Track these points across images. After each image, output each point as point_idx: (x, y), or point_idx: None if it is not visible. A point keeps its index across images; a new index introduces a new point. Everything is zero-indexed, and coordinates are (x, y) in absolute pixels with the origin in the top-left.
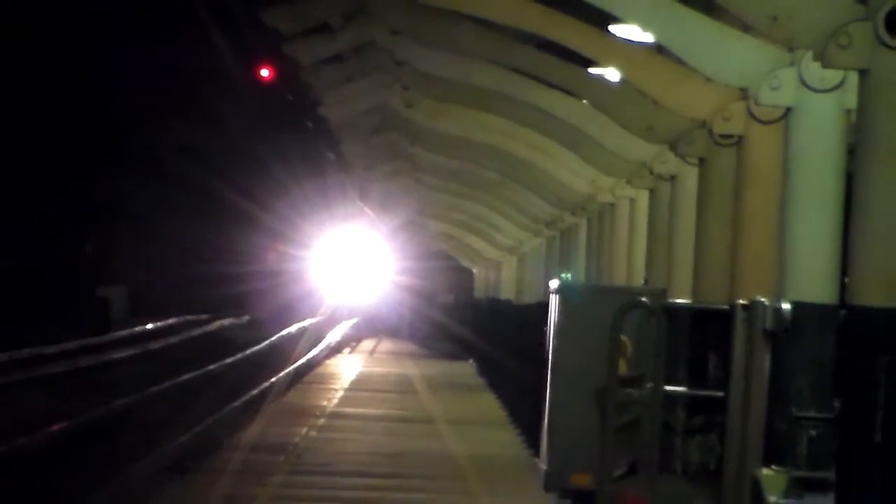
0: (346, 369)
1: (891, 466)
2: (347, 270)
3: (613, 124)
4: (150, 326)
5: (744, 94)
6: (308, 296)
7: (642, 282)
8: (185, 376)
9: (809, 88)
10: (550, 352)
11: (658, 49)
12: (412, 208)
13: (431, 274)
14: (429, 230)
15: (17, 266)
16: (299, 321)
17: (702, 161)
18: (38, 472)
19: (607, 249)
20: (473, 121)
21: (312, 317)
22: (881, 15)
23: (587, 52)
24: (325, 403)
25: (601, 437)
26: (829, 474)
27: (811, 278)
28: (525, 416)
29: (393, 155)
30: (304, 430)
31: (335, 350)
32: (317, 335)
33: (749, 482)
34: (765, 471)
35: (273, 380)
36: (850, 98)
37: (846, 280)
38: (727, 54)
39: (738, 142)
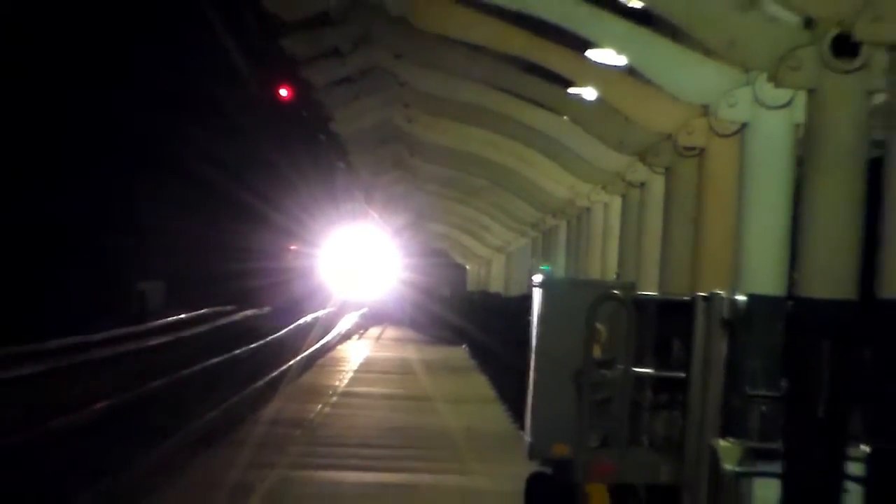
0: (355, 353)
1: (831, 438)
2: (355, 267)
3: (590, 137)
4: (182, 316)
5: (705, 110)
6: (320, 289)
7: (615, 276)
8: (213, 360)
9: (763, 106)
10: (534, 338)
11: (629, 71)
12: (413, 211)
13: (430, 270)
14: (428, 231)
15: (66, 261)
16: (313, 312)
17: (668, 170)
18: (83, 445)
19: (584, 248)
20: (465, 134)
21: (324, 308)
22: (827, 40)
23: (567, 74)
24: (336, 383)
25: (578, 412)
26: (778, 445)
27: (763, 273)
28: (511, 394)
29: (395, 164)
30: (319, 406)
31: (345, 337)
32: (329, 324)
33: (708, 452)
34: (722, 442)
35: (291, 363)
36: (799, 114)
37: (794, 275)
38: (690, 75)
39: (700, 153)
